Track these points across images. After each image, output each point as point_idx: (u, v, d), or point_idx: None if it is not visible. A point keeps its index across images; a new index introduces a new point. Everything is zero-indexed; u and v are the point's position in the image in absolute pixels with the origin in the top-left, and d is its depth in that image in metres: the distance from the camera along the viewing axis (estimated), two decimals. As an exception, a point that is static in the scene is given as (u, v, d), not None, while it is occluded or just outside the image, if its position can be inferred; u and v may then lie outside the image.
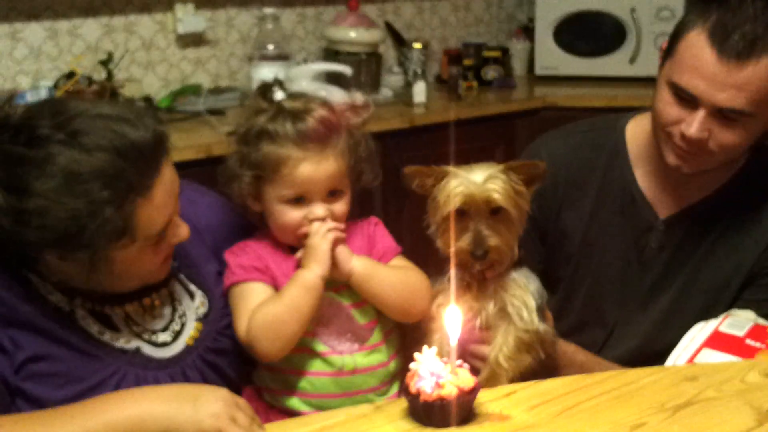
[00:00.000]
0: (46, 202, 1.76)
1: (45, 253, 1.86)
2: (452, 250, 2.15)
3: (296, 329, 2.07)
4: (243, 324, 2.09)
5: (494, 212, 2.13)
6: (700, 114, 2.21)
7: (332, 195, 2.12)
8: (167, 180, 1.90)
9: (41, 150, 1.77)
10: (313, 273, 2.06)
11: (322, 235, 2.07)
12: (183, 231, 2.01)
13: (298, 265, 2.11)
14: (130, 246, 1.87)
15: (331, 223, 2.09)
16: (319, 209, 2.10)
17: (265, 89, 2.19)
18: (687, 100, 2.23)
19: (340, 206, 2.13)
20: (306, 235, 2.10)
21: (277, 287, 2.13)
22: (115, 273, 1.90)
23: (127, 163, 1.80)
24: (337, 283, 2.14)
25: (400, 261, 2.25)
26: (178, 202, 2.00)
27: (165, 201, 1.90)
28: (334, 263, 2.09)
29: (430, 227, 2.22)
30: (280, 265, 2.15)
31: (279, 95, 2.16)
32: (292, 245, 2.16)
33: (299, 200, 2.10)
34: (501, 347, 2.17)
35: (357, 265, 2.12)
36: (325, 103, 2.17)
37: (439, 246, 2.19)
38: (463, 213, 2.13)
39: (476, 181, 2.12)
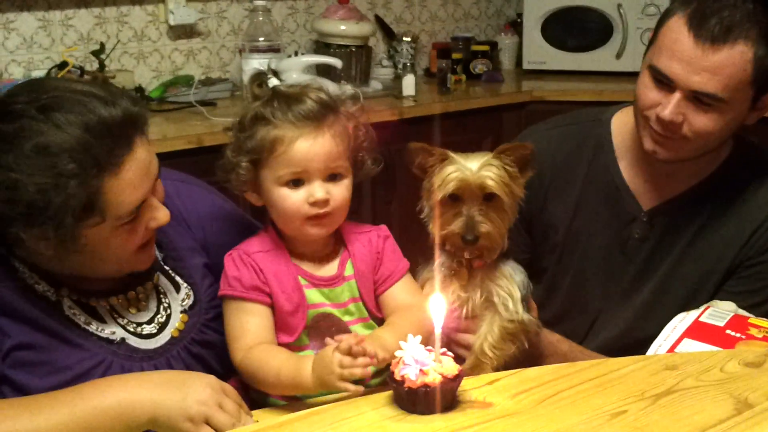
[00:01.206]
0: (15, 175, 1.76)
1: (16, 230, 1.83)
2: (444, 233, 2.16)
3: (277, 394, 2.06)
4: (239, 348, 2.06)
5: (487, 199, 2.14)
6: (676, 97, 2.25)
7: (332, 179, 2.07)
8: (140, 159, 1.89)
9: (13, 124, 1.79)
10: (312, 387, 1.94)
11: (340, 376, 1.86)
12: (161, 215, 1.98)
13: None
14: (102, 225, 1.85)
15: (358, 367, 1.87)
16: (318, 190, 2.03)
17: (259, 77, 2.18)
18: (664, 83, 2.27)
19: (340, 190, 2.07)
20: (311, 217, 2.06)
21: (274, 304, 2.09)
22: (89, 253, 1.89)
23: (94, 138, 1.80)
24: (342, 299, 2.14)
25: (405, 283, 2.22)
26: (161, 188, 2.00)
27: (137, 180, 1.88)
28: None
29: (423, 212, 2.22)
30: (280, 280, 2.10)
31: (273, 82, 2.15)
32: (298, 237, 2.12)
33: (298, 183, 2.04)
34: (486, 336, 2.19)
35: (382, 357, 1.95)
36: (321, 89, 2.14)
37: (431, 230, 2.20)
38: (456, 198, 2.14)
39: (471, 167, 2.13)
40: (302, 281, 2.12)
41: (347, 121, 2.12)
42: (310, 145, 2.03)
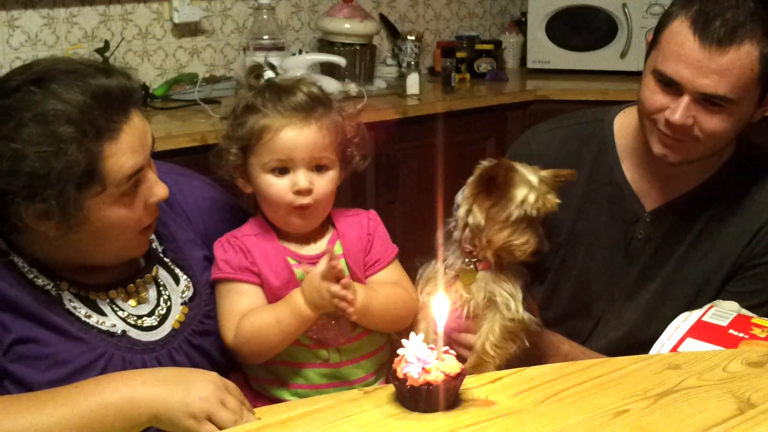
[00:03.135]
0: (15, 145, 1.79)
1: (18, 208, 1.84)
2: (519, 247, 2.23)
3: (282, 346, 2.11)
4: (230, 328, 2.11)
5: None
6: (684, 100, 2.25)
7: (318, 170, 2.12)
8: (137, 126, 1.92)
9: (9, 98, 1.83)
10: (312, 312, 2.05)
11: (332, 301, 2.04)
12: (160, 190, 2.00)
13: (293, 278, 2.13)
14: (103, 194, 1.87)
15: (351, 294, 2.06)
16: (302, 179, 2.09)
17: (256, 69, 2.22)
18: (671, 87, 2.27)
19: (325, 181, 2.12)
20: (295, 208, 2.11)
21: (263, 284, 2.14)
22: (91, 233, 1.90)
23: (92, 103, 1.84)
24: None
25: (394, 268, 2.26)
26: (154, 167, 2.01)
27: (134, 146, 1.90)
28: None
29: (472, 222, 2.24)
30: (269, 259, 2.15)
31: (269, 74, 2.19)
32: (283, 228, 2.17)
33: (283, 171, 2.10)
34: (487, 335, 2.20)
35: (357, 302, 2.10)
36: (314, 83, 2.19)
37: (490, 239, 2.22)
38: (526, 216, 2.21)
39: (541, 188, 2.22)
40: (291, 261, 2.16)
41: (338, 116, 2.16)
42: (296, 134, 2.08)
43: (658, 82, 2.29)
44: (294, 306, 2.06)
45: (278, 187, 2.11)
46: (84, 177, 1.83)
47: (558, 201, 2.24)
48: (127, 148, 1.88)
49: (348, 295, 2.03)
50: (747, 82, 2.22)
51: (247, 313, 2.10)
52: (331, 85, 3.86)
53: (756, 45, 2.20)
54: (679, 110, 2.25)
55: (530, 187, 2.20)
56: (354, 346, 2.18)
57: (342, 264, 2.06)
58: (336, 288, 2.02)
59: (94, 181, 1.85)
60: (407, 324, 2.22)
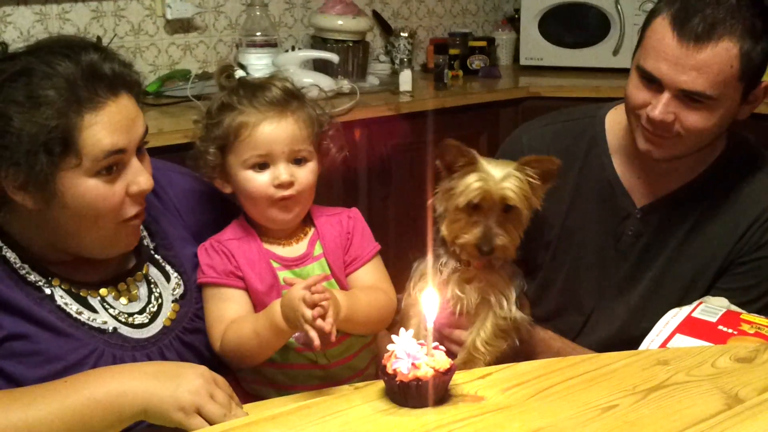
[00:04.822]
0: None
1: None
2: (460, 241, 2.21)
3: (263, 357, 2.10)
4: (217, 335, 2.11)
5: (506, 210, 2.19)
6: (665, 97, 2.26)
7: (297, 163, 2.13)
8: (125, 108, 1.92)
9: (5, 63, 1.88)
10: (287, 327, 1.98)
11: (304, 326, 1.91)
12: (143, 180, 1.98)
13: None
14: (77, 169, 1.87)
15: (327, 319, 1.92)
16: (283, 172, 2.10)
17: (226, 69, 2.23)
18: (653, 83, 2.28)
19: (305, 173, 2.14)
20: (277, 201, 2.11)
21: (248, 288, 2.14)
22: (69, 214, 1.90)
23: (82, 75, 1.86)
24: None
25: (373, 267, 2.26)
26: (148, 164, 2.01)
27: (116, 125, 1.90)
28: None
29: (435, 209, 2.24)
30: (252, 264, 2.15)
31: (239, 74, 2.20)
32: (266, 224, 2.18)
33: (263, 166, 2.11)
34: (479, 332, 2.21)
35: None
36: (286, 79, 2.21)
37: (443, 233, 2.22)
38: (476, 207, 2.17)
39: (495, 177, 2.17)
40: (274, 264, 2.16)
41: (312, 109, 2.18)
42: (274, 129, 2.10)
43: (642, 78, 2.31)
44: (271, 319, 2.00)
45: (259, 182, 2.11)
46: (58, 144, 1.83)
47: (511, 194, 2.20)
48: (107, 124, 1.88)
49: (324, 327, 1.91)
50: (726, 78, 2.23)
51: (232, 321, 2.10)
52: (323, 81, 3.87)
53: (735, 42, 2.21)
54: (659, 106, 2.27)
55: (480, 178, 2.18)
56: (339, 348, 2.18)
57: (326, 288, 1.97)
58: (309, 315, 1.89)
59: (69, 150, 1.85)
60: (386, 326, 2.22)
